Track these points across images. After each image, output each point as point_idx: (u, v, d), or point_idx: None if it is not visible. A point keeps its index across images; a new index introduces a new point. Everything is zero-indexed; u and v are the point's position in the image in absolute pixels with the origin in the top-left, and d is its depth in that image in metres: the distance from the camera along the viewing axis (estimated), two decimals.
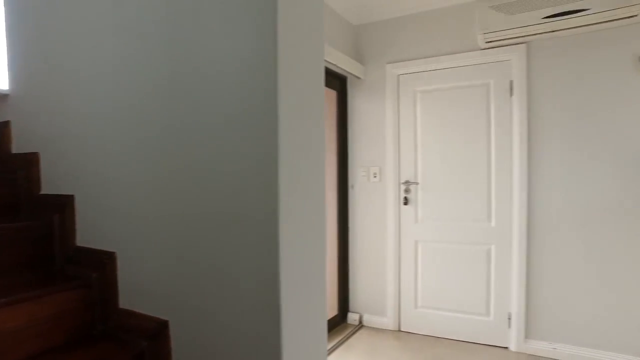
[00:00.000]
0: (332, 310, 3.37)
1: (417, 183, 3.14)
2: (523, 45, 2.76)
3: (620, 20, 2.41)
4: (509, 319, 2.86)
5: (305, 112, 1.00)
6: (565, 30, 2.56)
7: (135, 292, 1.20)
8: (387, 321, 3.26)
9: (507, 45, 2.79)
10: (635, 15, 2.34)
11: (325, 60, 2.78)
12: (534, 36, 2.65)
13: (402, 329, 3.23)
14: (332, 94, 3.32)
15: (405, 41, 3.15)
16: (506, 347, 2.88)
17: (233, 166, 0.97)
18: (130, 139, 1.18)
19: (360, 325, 3.36)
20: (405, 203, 3.16)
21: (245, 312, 0.97)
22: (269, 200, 0.92)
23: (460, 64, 2.95)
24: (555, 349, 2.73)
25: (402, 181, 3.18)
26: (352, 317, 3.40)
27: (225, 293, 1.00)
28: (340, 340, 3.08)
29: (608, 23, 2.45)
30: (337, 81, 3.29)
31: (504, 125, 2.85)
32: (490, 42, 2.74)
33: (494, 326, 2.92)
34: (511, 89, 2.82)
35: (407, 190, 3.16)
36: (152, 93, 1.12)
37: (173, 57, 1.06)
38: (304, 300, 1.01)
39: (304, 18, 0.99)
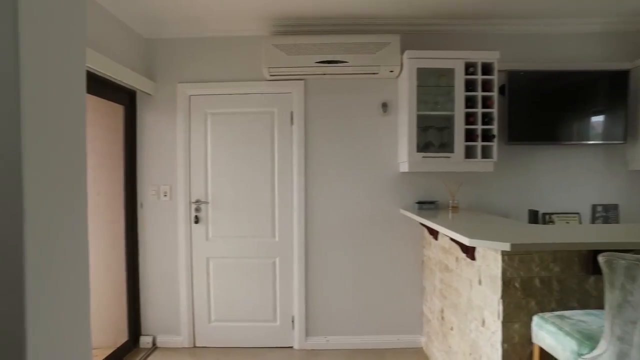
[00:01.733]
0: (122, 337, 3.16)
1: (207, 202, 3.23)
2: (302, 81, 3.15)
3: (369, 75, 3.03)
4: (293, 321, 3.23)
5: (61, 135, 0.94)
6: (333, 75, 3.04)
7: None
8: (181, 339, 3.25)
9: (288, 80, 3.14)
10: (377, 73, 2.98)
11: (107, 75, 2.60)
12: (310, 75, 3.06)
13: (197, 345, 3.27)
14: (119, 109, 3.11)
15: (198, 63, 3.20)
16: (291, 347, 3.24)
17: None
18: None
19: (155, 347, 3.25)
20: (196, 222, 3.21)
21: None
22: (13, 250, 0.85)
23: (248, 91, 3.17)
24: (328, 341, 3.22)
25: (193, 200, 3.22)
26: (145, 340, 3.26)
27: None
28: None
29: (362, 75, 3.04)
30: (124, 95, 3.10)
31: (285, 150, 3.20)
32: (274, 75, 3.04)
33: (280, 329, 3.24)
34: (292, 118, 3.19)
35: (198, 209, 3.22)
36: None
37: None
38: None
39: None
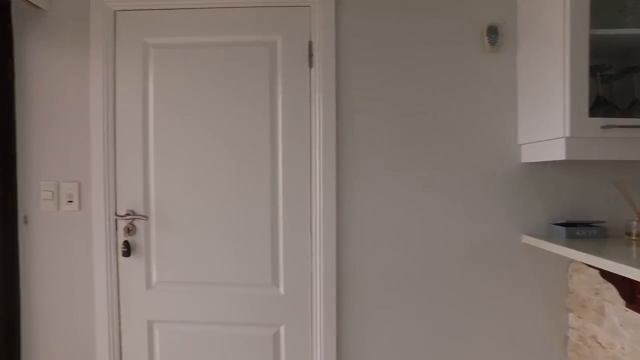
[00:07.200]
0: None
1: (146, 217, 1.70)
2: None
3: None
4: None
5: None
6: None
7: None
8: None
9: None
10: None
11: None
12: None
13: None
14: None
15: None
16: None
17: None
18: None
19: None
20: (127, 253, 1.69)
21: None
22: None
23: (226, 3, 1.65)
24: None
25: (122, 212, 1.70)
26: None
27: None
28: None
29: None
30: None
31: (298, 118, 1.67)
32: None
33: None
34: (310, 55, 1.65)
35: (130, 230, 1.69)
36: None
37: None
38: None
39: None
